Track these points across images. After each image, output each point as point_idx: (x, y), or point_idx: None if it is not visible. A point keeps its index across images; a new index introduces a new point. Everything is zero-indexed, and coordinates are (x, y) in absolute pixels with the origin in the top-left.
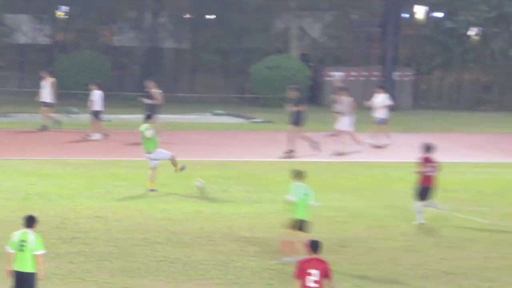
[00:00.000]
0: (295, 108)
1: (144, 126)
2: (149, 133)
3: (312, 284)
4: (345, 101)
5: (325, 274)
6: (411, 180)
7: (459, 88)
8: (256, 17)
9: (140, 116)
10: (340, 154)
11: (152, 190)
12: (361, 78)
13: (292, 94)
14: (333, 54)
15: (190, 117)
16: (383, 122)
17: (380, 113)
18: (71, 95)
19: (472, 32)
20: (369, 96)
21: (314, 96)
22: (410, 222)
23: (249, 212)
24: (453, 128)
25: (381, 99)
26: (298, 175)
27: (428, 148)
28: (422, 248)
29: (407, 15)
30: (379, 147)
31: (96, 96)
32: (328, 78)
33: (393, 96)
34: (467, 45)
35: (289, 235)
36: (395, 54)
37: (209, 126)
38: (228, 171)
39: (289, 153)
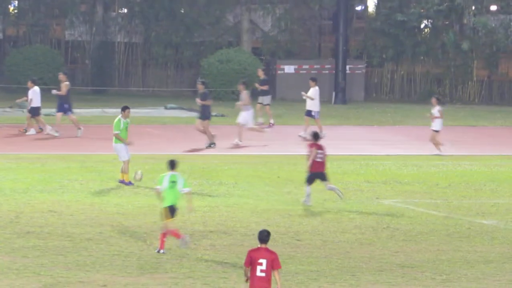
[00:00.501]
0: (201, 102)
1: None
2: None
3: (260, 274)
4: (243, 95)
5: (273, 264)
6: (364, 173)
7: (411, 81)
8: (207, 10)
9: (94, 110)
10: (237, 146)
11: (128, 183)
12: (313, 71)
13: (200, 87)
14: (285, 47)
15: (143, 111)
16: (316, 114)
17: (311, 106)
18: (23, 89)
19: (423, 24)
20: (320, 89)
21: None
22: (365, 215)
23: (202, 206)
24: (405, 120)
25: (312, 92)
26: (171, 164)
27: (315, 135)
28: (376, 241)
29: (358, 8)
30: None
31: (34, 92)
32: (280, 72)
33: (344, 89)
34: (418, 38)
35: (167, 225)
36: (346, 47)
37: (162, 120)
38: (181, 165)
39: (211, 146)
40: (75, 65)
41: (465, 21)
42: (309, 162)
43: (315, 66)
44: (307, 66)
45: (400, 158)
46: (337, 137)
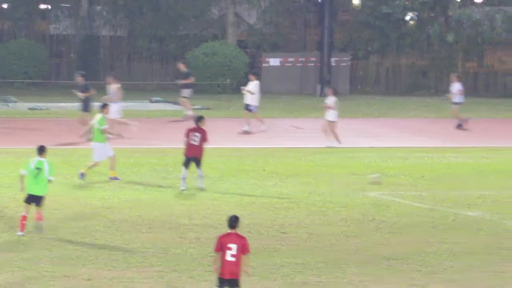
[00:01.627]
0: (81, 94)
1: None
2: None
3: (230, 258)
4: (112, 88)
5: (243, 249)
6: (350, 165)
7: (396, 73)
8: (192, 3)
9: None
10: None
11: (112, 178)
12: (298, 64)
13: (79, 80)
14: (270, 40)
15: (128, 105)
16: (254, 109)
17: (250, 100)
18: (8, 84)
19: (408, 17)
20: (306, 82)
21: None
22: (350, 207)
23: (188, 199)
24: (390, 113)
25: (253, 86)
26: (39, 150)
27: (198, 119)
28: (362, 233)
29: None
30: (248, 132)
31: None
32: (265, 64)
33: (329, 82)
34: (404, 30)
35: (26, 209)
36: (331, 40)
37: (148, 113)
38: (167, 158)
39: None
40: (60, 59)
41: (450, 13)
42: (184, 146)
43: (300, 59)
44: (292, 59)
45: (385, 150)
46: (320, 130)
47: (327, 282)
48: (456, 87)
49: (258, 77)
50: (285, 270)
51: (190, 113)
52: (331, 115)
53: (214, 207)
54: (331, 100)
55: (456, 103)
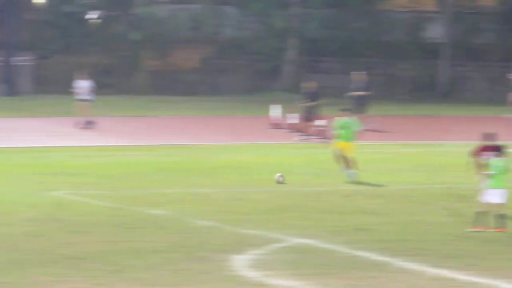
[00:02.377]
0: None
1: None
2: None
3: None
4: None
5: None
6: (34, 165)
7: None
8: None
9: None
10: None
11: None
12: None
13: None
14: None
15: None
16: None
17: None
18: None
19: (93, 15)
20: None
21: None
22: (33, 207)
23: None
24: (73, 112)
25: None
26: None
27: None
28: (45, 233)
29: None
30: None
31: None
32: None
33: (12, 81)
34: (88, 29)
35: None
36: (14, 39)
37: None
38: None
39: None
40: None
41: (134, 11)
42: None
43: None
44: None
45: (69, 149)
46: (5, 129)
47: (11, 283)
48: (85, 84)
49: None
50: None
51: None
52: None
53: None
54: None
55: (85, 100)
